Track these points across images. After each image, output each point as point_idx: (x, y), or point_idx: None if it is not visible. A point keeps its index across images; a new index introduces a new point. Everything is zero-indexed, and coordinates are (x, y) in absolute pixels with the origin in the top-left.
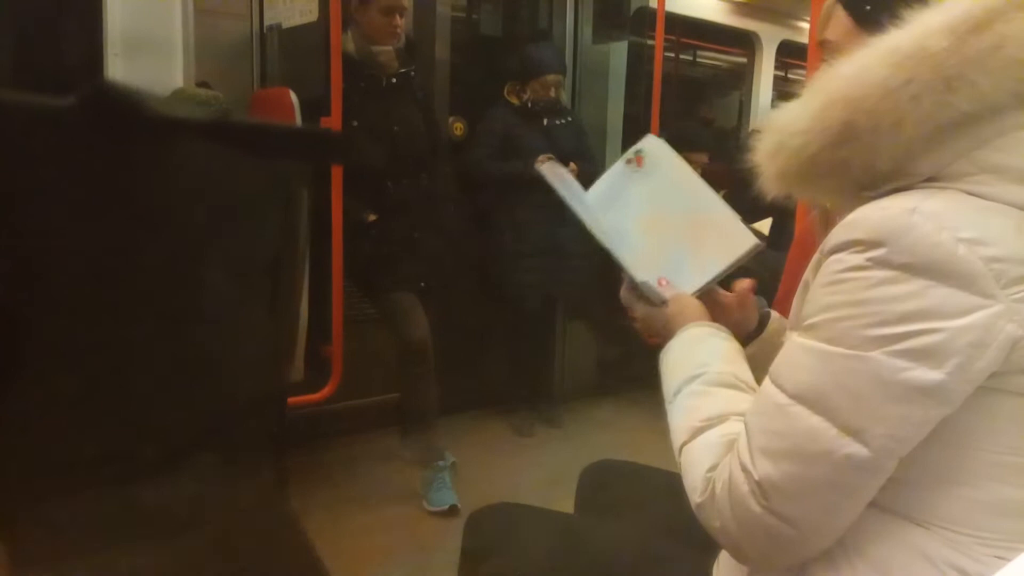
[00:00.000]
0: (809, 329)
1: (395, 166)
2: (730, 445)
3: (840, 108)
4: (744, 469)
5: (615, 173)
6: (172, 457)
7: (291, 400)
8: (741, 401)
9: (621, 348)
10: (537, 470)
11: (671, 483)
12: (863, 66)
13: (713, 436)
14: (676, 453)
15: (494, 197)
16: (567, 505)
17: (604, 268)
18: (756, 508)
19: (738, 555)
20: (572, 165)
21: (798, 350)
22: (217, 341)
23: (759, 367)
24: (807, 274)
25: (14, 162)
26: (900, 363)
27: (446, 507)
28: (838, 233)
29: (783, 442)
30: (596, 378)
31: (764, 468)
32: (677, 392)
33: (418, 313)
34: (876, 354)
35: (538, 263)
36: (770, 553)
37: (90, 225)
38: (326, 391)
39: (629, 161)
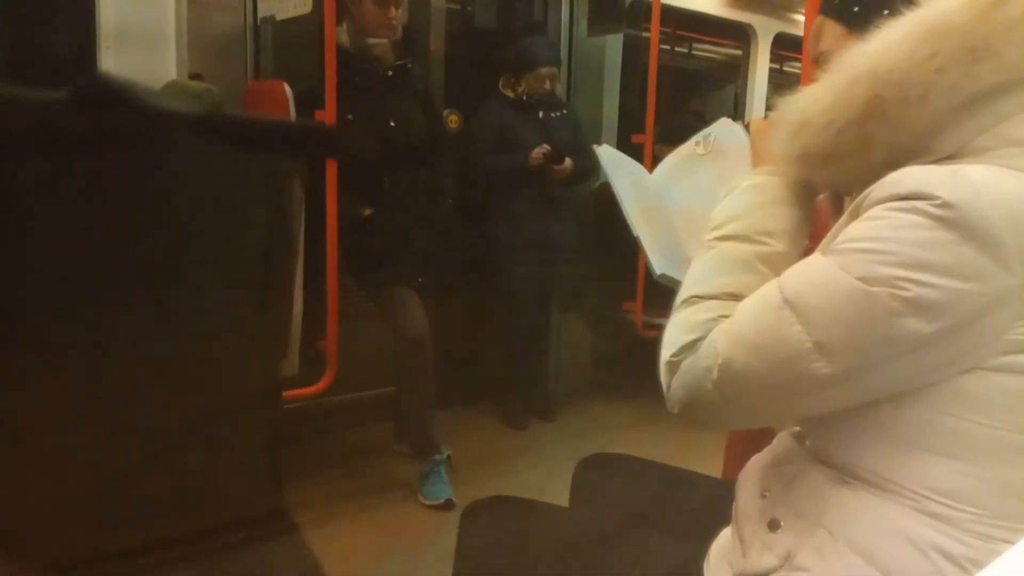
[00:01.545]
0: (832, 251)
1: (391, 161)
2: None
3: (866, 83)
4: (714, 345)
5: (682, 154)
6: (165, 453)
7: (286, 394)
8: None
9: (615, 341)
10: (532, 464)
11: (666, 477)
12: (887, 42)
13: (726, 310)
14: (685, 291)
15: (489, 190)
16: (562, 498)
17: (598, 261)
18: (707, 385)
19: (670, 404)
20: (568, 161)
21: (815, 263)
22: (208, 334)
23: None
24: (841, 221)
25: (5, 154)
26: (897, 307)
27: (441, 501)
28: (879, 190)
29: (758, 337)
30: (590, 372)
31: (730, 352)
32: (725, 239)
33: (416, 308)
34: (880, 291)
35: (533, 256)
36: (702, 417)
37: (80, 216)
38: (321, 385)
39: (697, 143)
